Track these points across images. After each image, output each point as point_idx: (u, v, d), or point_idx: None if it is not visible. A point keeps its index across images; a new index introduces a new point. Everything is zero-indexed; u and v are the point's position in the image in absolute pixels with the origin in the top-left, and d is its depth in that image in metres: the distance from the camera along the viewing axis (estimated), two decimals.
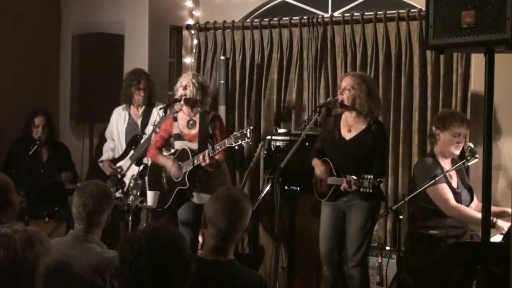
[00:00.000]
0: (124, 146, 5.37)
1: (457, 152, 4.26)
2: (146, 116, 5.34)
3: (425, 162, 4.36)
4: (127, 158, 5.25)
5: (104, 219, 3.08)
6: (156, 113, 5.19)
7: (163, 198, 4.72)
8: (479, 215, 4.10)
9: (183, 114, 4.85)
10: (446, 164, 4.30)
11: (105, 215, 3.09)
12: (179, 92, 4.78)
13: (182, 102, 4.78)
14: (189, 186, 4.69)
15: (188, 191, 4.74)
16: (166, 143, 5.00)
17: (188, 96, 4.75)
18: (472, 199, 4.32)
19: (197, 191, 4.75)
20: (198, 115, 4.80)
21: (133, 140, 5.26)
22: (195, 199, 4.78)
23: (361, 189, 4.09)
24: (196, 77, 4.81)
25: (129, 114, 5.42)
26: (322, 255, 4.54)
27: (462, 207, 4.21)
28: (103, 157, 5.50)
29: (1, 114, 5.63)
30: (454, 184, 4.30)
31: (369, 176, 4.06)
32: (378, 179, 4.09)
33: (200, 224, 4.69)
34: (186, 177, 4.68)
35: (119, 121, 5.46)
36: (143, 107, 5.35)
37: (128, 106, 5.41)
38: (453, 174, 4.32)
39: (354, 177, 4.13)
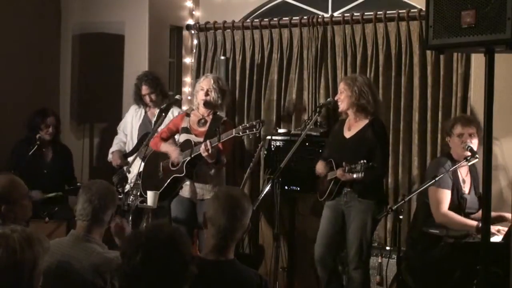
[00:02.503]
0: (135, 142, 5.40)
1: (467, 153, 4.21)
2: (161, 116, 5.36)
3: (437, 160, 4.43)
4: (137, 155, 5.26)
5: (108, 217, 3.08)
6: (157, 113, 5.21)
7: (156, 186, 4.74)
8: (468, 221, 4.15)
9: (198, 113, 4.88)
10: (463, 168, 4.30)
11: (109, 213, 3.08)
12: (199, 95, 4.80)
13: (195, 106, 4.81)
14: (185, 174, 4.70)
15: (182, 179, 4.75)
16: (172, 137, 5.00)
17: (209, 101, 4.78)
18: (480, 208, 4.25)
19: (191, 182, 4.76)
20: (211, 116, 4.83)
21: (144, 137, 5.28)
22: (186, 192, 4.78)
23: (354, 175, 4.11)
24: (217, 82, 4.83)
25: (145, 112, 5.48)
26: (316, 258, 4.59)
27: (452, 214, 4.20)
28: (114, 148, 5.52)
29: (1, 114, 5.62)
30: (466, 189, 4.30)
31: (362, 161, 4.08)
32: (371, 163, 4.10)
33: (193, 224, 4.73)
34: (184, 166, 4.69)
35: (134, 117, 5.51)
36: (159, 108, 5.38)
37: (146, 105, 5.45)
38: (468, 179, 4.34)
39: (348, 165, 4.17)
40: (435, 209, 4.20)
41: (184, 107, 5.75)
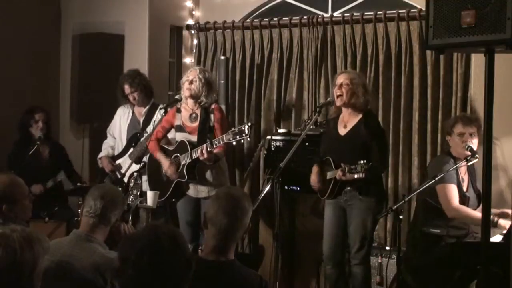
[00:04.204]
0: (124, 144, 5.39)
1: (467, 153, 4.19)
2: (149, 115, 5.35)
3: (439, 158, 4.41)
4: (126, 155, 5.26)
5: (114, 217, 3.08)
6: (157, 112, 5.22)
7: (162, 190, 4.74)
8: (480, 215, 4.10)
9: (187, 106, 4.86)
10: (463, 168, 4.29)
11: (116, 214, 3.09)
12: (185, 86, 4.77)
13: (183, 100, 4.80)
14: (187, 179, 4.70)
15: (185, 183, 4.76)
16: (167, 134, 5.00)
17: (193, 91, 4.75)
18: (479, 204, 4.24)
19: (194, 183, 4.76)
20: (200, 108, 4.80)
21: (133, 138, 5.27)
22: (192, 191, 4.79)
23: (355, 175, 4.11)
24: (203, 72, 4.80)
25: (133, 112, 5.45)
26: (325, 254, 4.56)
27: (463, 207, 4.20)
28: (102, 154, 5.50)
29: (1, 114, 5.63)
30: (465, 188, 4.30)
31: (362, 161, 4.07)
32: (370, 163, 4.09)
33: (200, 222, 4.73)
34: (184, 170, 4.69)
35: (122, 118, 5.49)
36: (147, 107, 5.36)
37: (132, 104, 5.44)
38: (466, 178, 4.33)
39: (348, 165, 4.15)
40: (446, 204, 4.18)
41: None
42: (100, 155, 5.51)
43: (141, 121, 5.36)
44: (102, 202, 3.02)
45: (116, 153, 5.46)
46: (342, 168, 4.19)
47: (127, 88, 5.31)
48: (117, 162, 5.37)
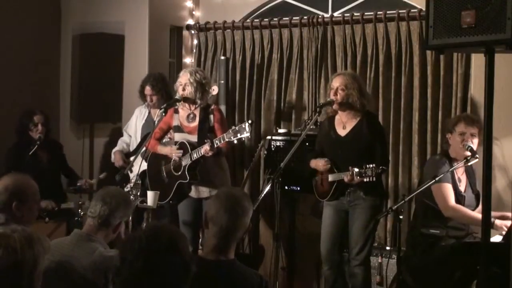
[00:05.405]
0: (138, 142, 5.43)
1: (467, 153, 4.19)
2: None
3: (435, 159, 4.39)
4: (139, 155, 5.27)
5: (117, 219, 3.08)
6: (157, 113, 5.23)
7: (164, 192, 4.74)
8: (477, 215, 4.11)
9: (185, 107, 4.86)
10: (460, 168, 4.27)
11: (119, 217, 3.09)
12: (179, 91, 4.79)
13: (182, 101, 4.81)
14: (189, 180, 4.70)
15: (187, 184, 4.76)
16: (165, 135, 5.00)
17: (187, 97, 4.76)
18: (478, 205, 4.25)
19: (196, 184, 4.76)
20: (198, 108, 4.81)
21: (146, 137, 5.30)
22: (193, 193, 4.78)
23: (365, 179, 4.11)
24: (194, 75, 4.77)
25: (149, 112, 5.51)
26: (323, 255, 4.56)
27: (461, 207, 4.20)
28: (116, 149, 5.56)
29: (1, 114, 5.62)
30: (462, 188, 4.29)
31: (371, 165, 4.08)
32: (381, 167, 4.11)
33: (201, 223, 4.73)
34: (186, 171, 4.69)
35: (139, 117, 5.56)
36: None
37: (149, 105, 5.49)
38: (463, 178, 4.33)
39: (356, 168, 4.15)
40: (443, 204, 4.17)
41: None
42: (114, 149, 5.56)
43: (156, 121, 5.38)
44: (105, 204, 3.03)
45: (130, 150, 5.52)
46: (351, 172, 4.19)
47: (148, 90, 5.39)
48: (130, 159, 5.39)
